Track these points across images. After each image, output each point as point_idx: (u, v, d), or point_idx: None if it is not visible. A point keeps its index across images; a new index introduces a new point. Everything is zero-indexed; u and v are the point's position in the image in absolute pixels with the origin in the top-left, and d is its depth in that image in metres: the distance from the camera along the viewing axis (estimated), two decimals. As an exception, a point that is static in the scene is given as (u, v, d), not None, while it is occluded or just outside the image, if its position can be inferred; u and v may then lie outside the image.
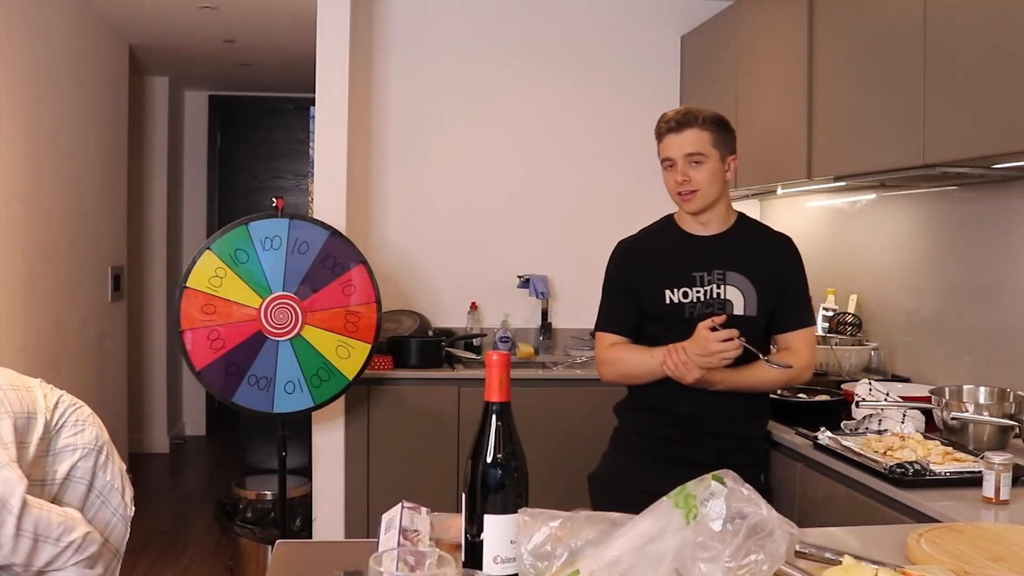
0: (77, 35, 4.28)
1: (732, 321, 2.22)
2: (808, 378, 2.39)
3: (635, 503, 2.21)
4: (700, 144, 2.25)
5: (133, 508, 2.09)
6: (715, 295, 2.28)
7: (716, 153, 2.27)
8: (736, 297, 2.28)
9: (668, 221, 2.43)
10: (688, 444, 2.30)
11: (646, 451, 2.36)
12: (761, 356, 2.19)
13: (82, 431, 2.02)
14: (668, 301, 2.30)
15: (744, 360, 2.22)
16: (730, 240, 2.34)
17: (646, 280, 2.33)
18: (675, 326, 2.27)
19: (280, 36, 4.78)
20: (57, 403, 2.02)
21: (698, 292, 2.29)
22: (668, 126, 2.28)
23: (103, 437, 2.07)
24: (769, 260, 2.33)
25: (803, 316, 2.35)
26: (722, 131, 2.30)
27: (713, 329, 2.15)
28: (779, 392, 3.01)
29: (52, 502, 1.87)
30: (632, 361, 2.33)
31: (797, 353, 2.31)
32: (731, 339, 2.12)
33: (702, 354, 2.14)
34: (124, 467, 2.10)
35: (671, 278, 2.31)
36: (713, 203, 2.31)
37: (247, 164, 6.66)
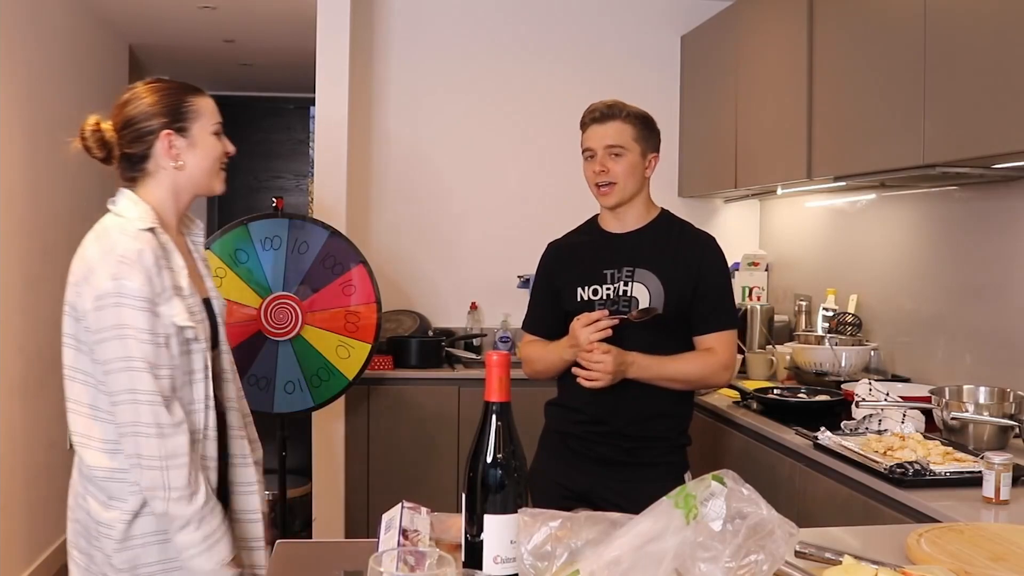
0: (77, 35, 4.28)
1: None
2: (726, 380, 2.36)
3: (557, 497, 2.18)
4: (622, 137, 2.26)
5: None
6: (621, 292, 2.29)
7: (637, 148, 2.28)
8: (642, 294, 2.28)
9: (590, 221, 2.47)
10: (596, 443, 2.31)
11: (562, 447, 2.38)
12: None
13: None
14: (579, 299, 2.33)
15: (658, 350, 2.24)
16: (644, 237, 2.33)
17: (563, 279, 2.38)
18: None
19: (280, 36, 4.78)
20: None
21: (607, 289, 2.30)
22: (592, 116, 2.29)
23: None
24: (683, 258, 2.30)
25: (722, 317, 2.31)
26: (646, 128, 2.31)
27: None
28: (777, 392, 3.02)
29: None
30: (536, 357, 2.41)
31: (715, 353, 2.28)
32: (597, 321, 2.17)
33: (576, 345, 2.19)
34: None
35: (583, 276, 2.34)
36: (630, 198, 2.31)
37: (247, 164, 6.65)
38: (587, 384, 2.19)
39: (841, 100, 2.97)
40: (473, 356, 4.00)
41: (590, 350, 2.17)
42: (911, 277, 3.16)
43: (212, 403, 1.80)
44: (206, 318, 1.84)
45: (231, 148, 1.92)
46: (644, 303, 2.27)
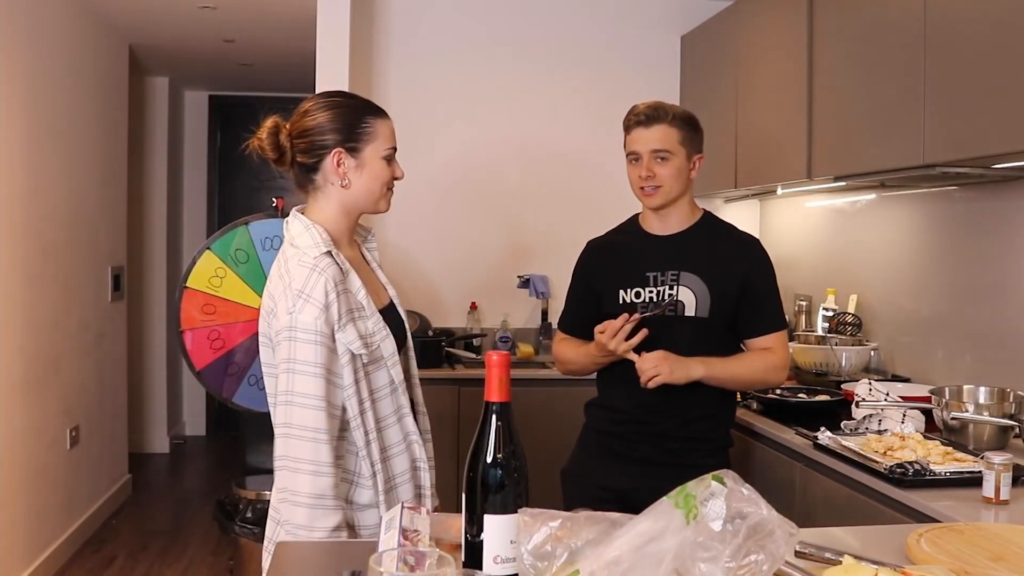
0: (77, 35, 4.28)
1: (682, 322, 2.24)
2: (783, 379, 2.36)
3: (595, 499, 2.16)
4: (668, 141, 2.23)
5: None
6: (666, 296, 2.26)
7: (683, 151, 2.25)
8: (688, 298, 2.25)
9: (631, 221, 2.44)
10: (639, 443, 2.29)
11: (603, 448, 2.36)
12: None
13: None
14: (621, 301, 2.29)
15: (702, 354, 2.22)
16: (689, 240, 2.31)
17: (604, 280, 2.35)
18: None
19: (280, 36, 4.78)
20: None
21: (650, 292, 2.27)
22: (637, 119, 2.25)
23: None
24: (729, 261, 2.28)
25: (776, 318, 2.31)
26: (691, 129, 2.28)
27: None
28: (778, 392, 3.02)
29: None
30: (569, 357, 2.41)
31: (775, 353, 2.28)
32: (622, 328, 2.16)
33: (610, 355, 2.19)
34: None
35: (625, 278, 2.30)
36: (675, 200, 2.29)
37: (247, 164, 6.65)
38: (651, 385, 2.16)
39: (841, 100, 2.97)
40: (473, 356, 4.00)
41: (619, 347, 2.16)
42: (911, 277, 3.16)
43: (409, 409, 1.86)
44: (390, 332, 1.83)
45: (400, 173, 1.87)
46: (690, 307, 2.24)
